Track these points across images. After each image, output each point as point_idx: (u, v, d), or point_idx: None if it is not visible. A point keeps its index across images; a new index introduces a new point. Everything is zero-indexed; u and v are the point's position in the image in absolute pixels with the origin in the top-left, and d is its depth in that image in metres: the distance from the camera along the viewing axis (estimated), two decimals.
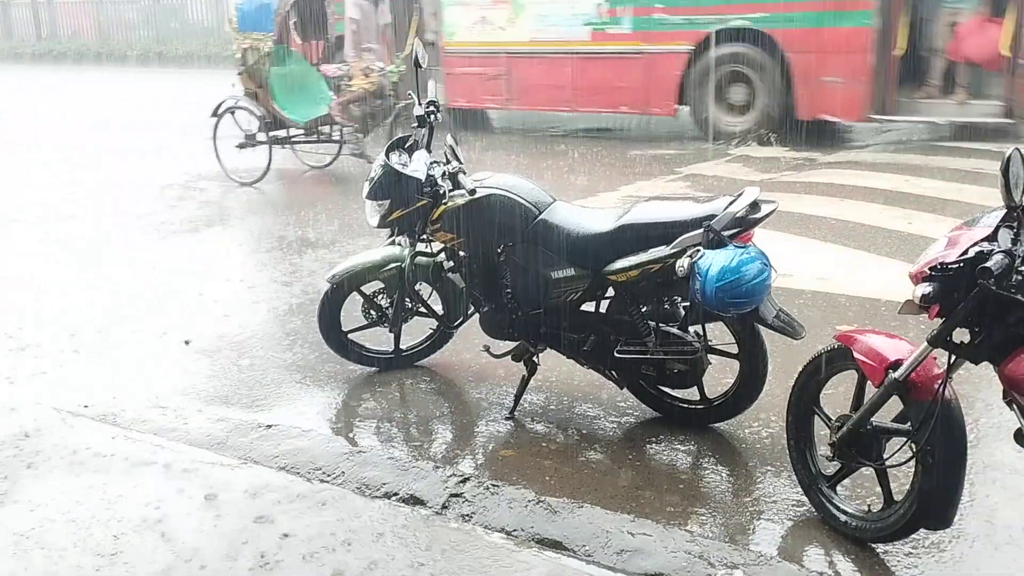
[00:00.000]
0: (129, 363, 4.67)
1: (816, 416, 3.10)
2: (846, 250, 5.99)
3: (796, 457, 3.16)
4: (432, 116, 4.09)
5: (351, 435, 3.91)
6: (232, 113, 9.09)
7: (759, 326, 3.50)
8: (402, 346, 4.48)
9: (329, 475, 3.44)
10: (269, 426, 3.84)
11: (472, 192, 3.75)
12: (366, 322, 4.41)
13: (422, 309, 4.37)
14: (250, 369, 4.57)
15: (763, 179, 8.07)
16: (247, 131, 9.18)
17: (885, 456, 2.85)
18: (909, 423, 2.74)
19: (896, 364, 2.69)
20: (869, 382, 2.83)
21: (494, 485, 3.29)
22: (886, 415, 2.83)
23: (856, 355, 2.82)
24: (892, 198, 7.24)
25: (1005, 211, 2.46)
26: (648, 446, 3.70)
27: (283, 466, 3.52)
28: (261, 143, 9.06)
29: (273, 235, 7.06)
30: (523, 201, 3.78)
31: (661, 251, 3.43)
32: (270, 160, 8.90)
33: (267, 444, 3.69)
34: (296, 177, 9.44)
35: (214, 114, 8.99)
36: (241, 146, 9.12)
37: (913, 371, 2.65)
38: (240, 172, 9.05)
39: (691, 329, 3.66)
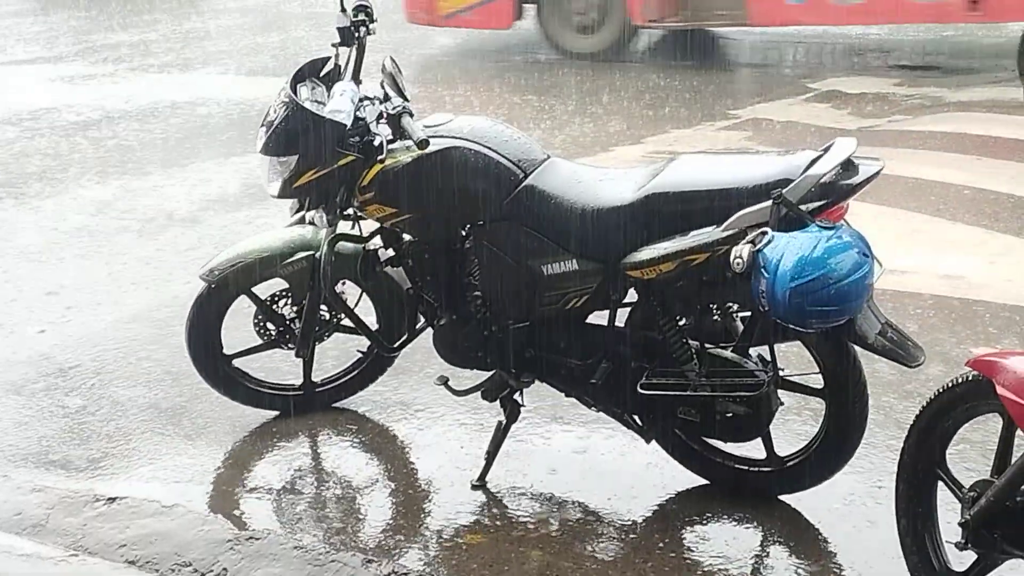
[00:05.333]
0: None
1: (941, 482, 3.12)
2: (988, 234, 6.05)
3: (911, 544, 3.17)
4: (363, 28, 4.07)
5: (238, 513, 3.90)
6: None
7: (855, 348, 3.53)
8: (315, 378, 4.47)
9: (205, 573, 3.44)
10: (112, 499, 3.83)
11: (423, 144, 3.75)
12: (261, 341, 4.40)
13: (345, 322, 4.37)
14: (83, 412, 4.56)
15: (861, 127, 8.13)
16: None
17: None
18: None
19: None
20: (1020, 430, 2.85)
21: None
22: None
23: (1001, 390, 2.84)
24: None
25: None
26: (687, 529, 3.72)
27: (133, 559, 3.52)
28: None
29: None
30: (500, 158, 3.78)
31: (708, 234, 3.44)
32: None
33: (109, 526, 3.68)
34: None
35: None
36: None
37: None
38: None
39: (753, 352, 3.68)
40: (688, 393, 3.64)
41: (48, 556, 3.56)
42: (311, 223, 4.18)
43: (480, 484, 3.95)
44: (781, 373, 3.69)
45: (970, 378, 2.97)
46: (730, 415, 3.67)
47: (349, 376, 4.52)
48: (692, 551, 3.61)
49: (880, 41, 11.71)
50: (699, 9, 11.21)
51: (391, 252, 4.11)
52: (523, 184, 3.76)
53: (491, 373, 3.96)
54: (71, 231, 6.70)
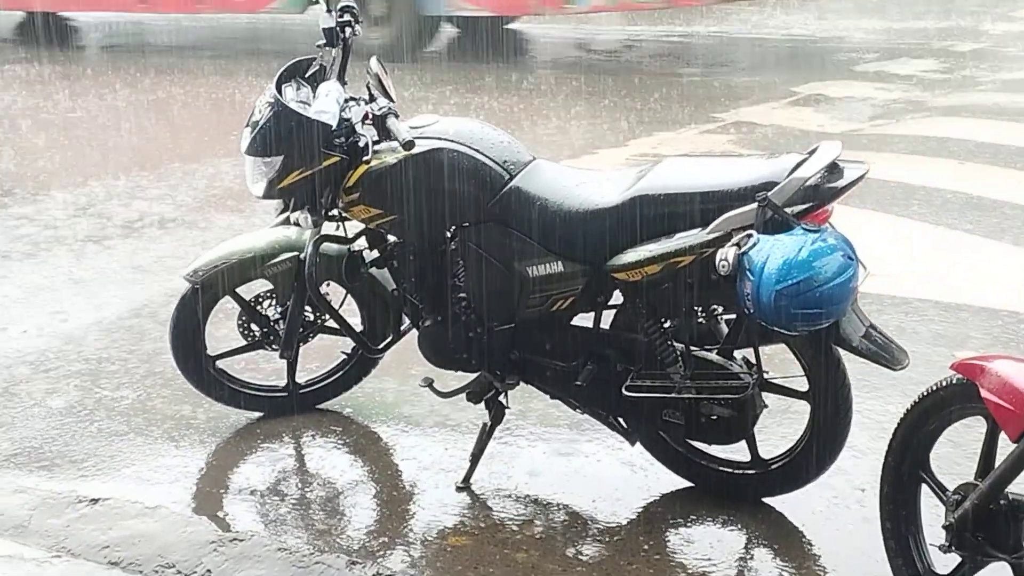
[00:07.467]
0: None
1: (925, 485, 3.13)
2: (970, 238, 6.08)
3: (894, 547, 3.18)
4: (348, 29, 4.07)
5: (221, 515, 3.90)
6: None
7: (840, 350, 3.54)
8: (299, 379, 4.46)
9: (188, 575, 3.44)
10: (95, 500, 3.82)
11: (409, 145, 3.75)
12: (245, 342, 4.39)
13: (330, 323, 4.36)
14: (66, 413, 4.54)
15: (846, 131, 8.16)
16: None
17: None
18: None
19: None
20: (1004, 433, 2.86)
21: None
22: None
23: (985, 394, 2.84)
24: None
25: None
26: (672, 531, 3.73)
27: (116, 561, 3.51)
28: None
29: None
30: (486, 159, 3.79)
31: (694, 236, 3.45)
32: None
33: (92, 528, 3.67)
34: None
35: None
36: None
37: None
38: None
39: (738, 355, 3.69)
40: (673, 395, 3.65)
41: (30, 557, 3.54)
42: (296, 224, 4.17)
43: (465, 486, 3.95)
44: (765, 376, 3.70)
45: (954, 381, 2.98)
46: (715, 417, 3.67)
47: (333, 377, 4.51)
48: (677, 553, 3.61)
49: (865, 45, 11.76)
50: None
51: (376, 253, 4.11)
52: (508, 186, 3.76)
53: (476, 375, 3.96)
54: (52, 232, 6.67)
